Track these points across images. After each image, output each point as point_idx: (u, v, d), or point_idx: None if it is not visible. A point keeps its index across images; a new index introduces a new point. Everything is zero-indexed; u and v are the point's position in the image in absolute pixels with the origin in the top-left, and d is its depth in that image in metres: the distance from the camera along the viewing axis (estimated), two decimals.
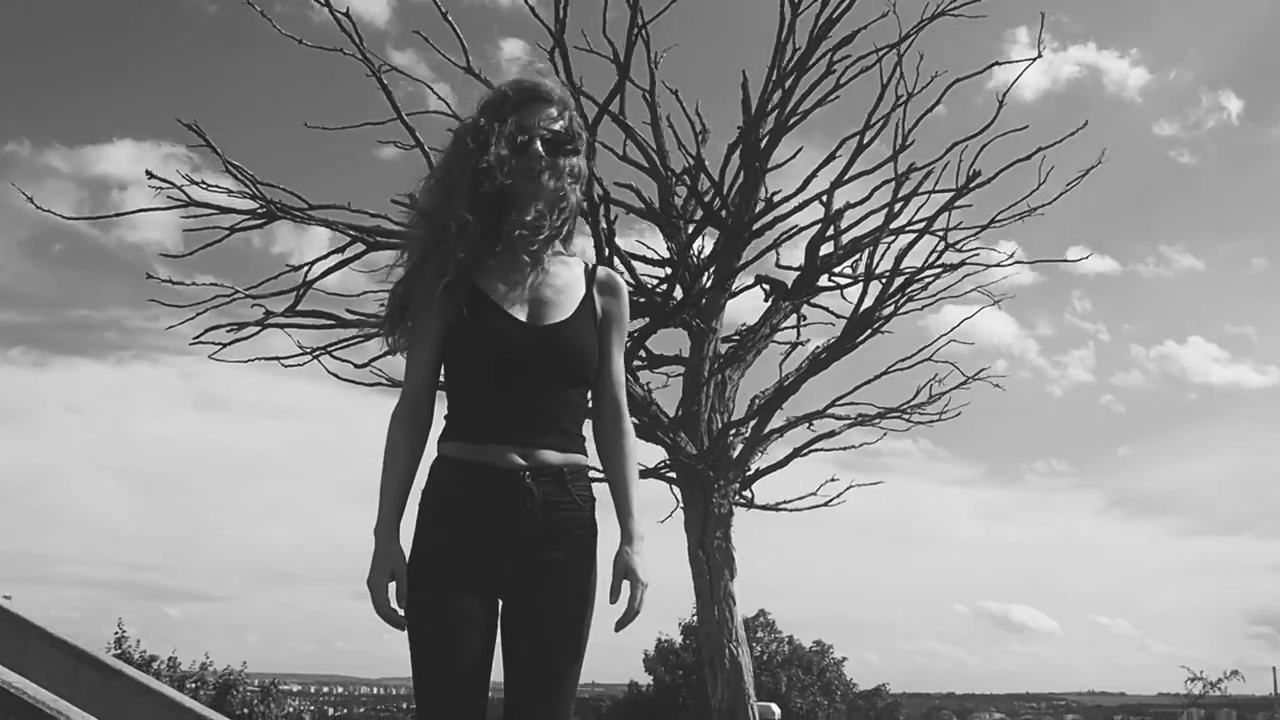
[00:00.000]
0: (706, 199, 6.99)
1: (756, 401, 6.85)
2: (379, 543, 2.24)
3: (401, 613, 2.21)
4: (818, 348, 7.06)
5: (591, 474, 2.41)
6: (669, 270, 7.16)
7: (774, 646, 30.46)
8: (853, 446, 6.83)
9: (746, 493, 6.80)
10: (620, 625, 2.32)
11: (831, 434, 6.72)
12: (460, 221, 2.27)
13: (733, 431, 6.59)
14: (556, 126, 2.34)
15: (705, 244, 7.25)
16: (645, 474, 6.82)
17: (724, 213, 6.86)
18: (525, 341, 2.27)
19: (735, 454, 6.52)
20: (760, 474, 6.77)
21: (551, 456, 2.27)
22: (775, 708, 13.27)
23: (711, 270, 7.01)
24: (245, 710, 18.86)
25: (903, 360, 6.77)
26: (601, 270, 2.45)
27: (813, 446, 6.76)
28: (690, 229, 7.11)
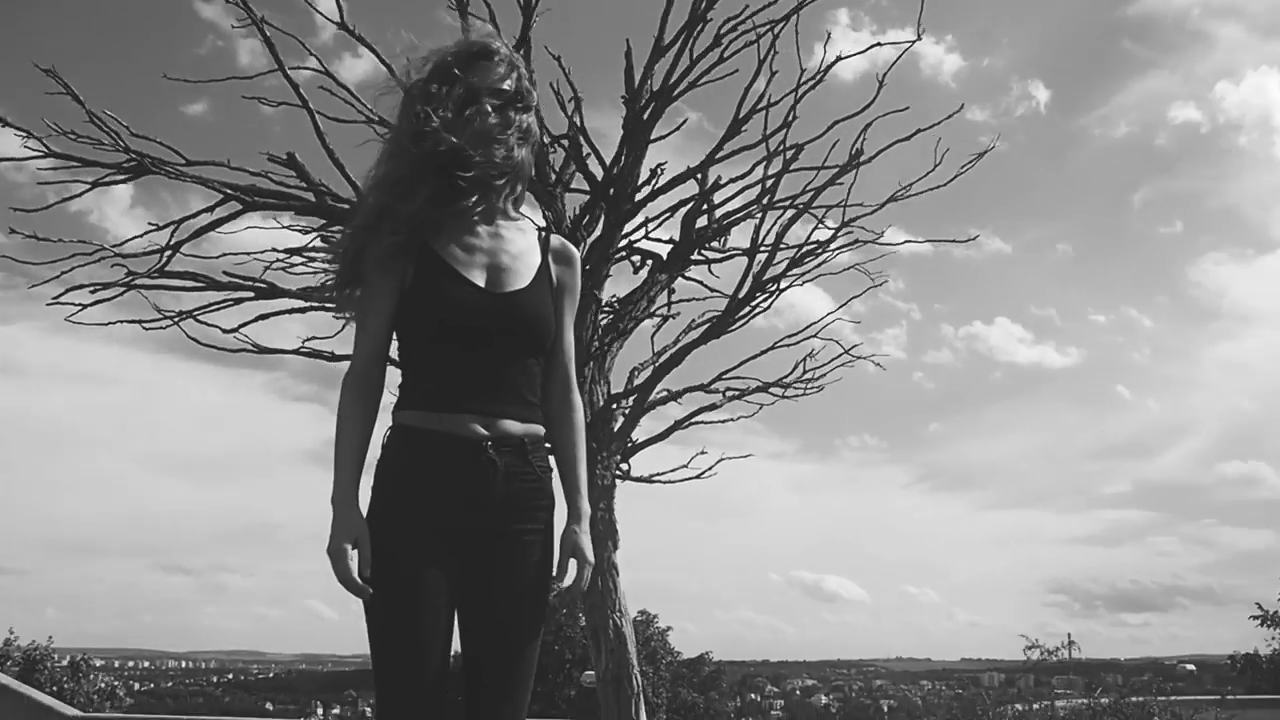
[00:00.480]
0: (588, 168, 6.94)
1: (636, 374, 6.90)
2: (339, 510, 2.17)
3: (362, 582, 2.15)
4: (693, 321, 7.15)
5: None
6: None
7: None
8: (731, 420, 6.96)
9: (624, 465, 6.84)
10: (562, 601, 2.34)
11: (713, 407, 6.81)
12: (410, 184, 2.23)
13: (614, 404, 6.61)
14: (505, 85, 2.30)
15: (584, 215, 7.20)
16: None
17: (609, 186, 6.84)
18: (485, 308, 2.23)
19: (617, 426, 6.55)
20: (640, 446, 6.83)
21: (513, 426, 2.24)
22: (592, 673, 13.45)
23: (589, 241, 6.98)
24: (54, 687, 18.01)
25: (790, 336, 6.91)
26: (555, 239, 2.43)
27: (693, 420, 6.85)
28: (570, 199, 7.05)
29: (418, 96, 2.29)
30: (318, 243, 6.10)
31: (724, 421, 6.89)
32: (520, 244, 2.36)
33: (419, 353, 2.26)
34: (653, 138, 6.95)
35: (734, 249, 7.47)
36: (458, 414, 2.21)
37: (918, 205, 6.57)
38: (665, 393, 6.74)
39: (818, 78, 6.53)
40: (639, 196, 6.97)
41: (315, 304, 5.98)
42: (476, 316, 2.22)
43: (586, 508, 2.37)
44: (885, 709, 70.82)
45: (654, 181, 6.87)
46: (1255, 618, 14.52)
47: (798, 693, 79.35)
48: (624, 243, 6.99)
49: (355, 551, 2.16)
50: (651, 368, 6.72)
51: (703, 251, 7.48)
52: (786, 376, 6.81)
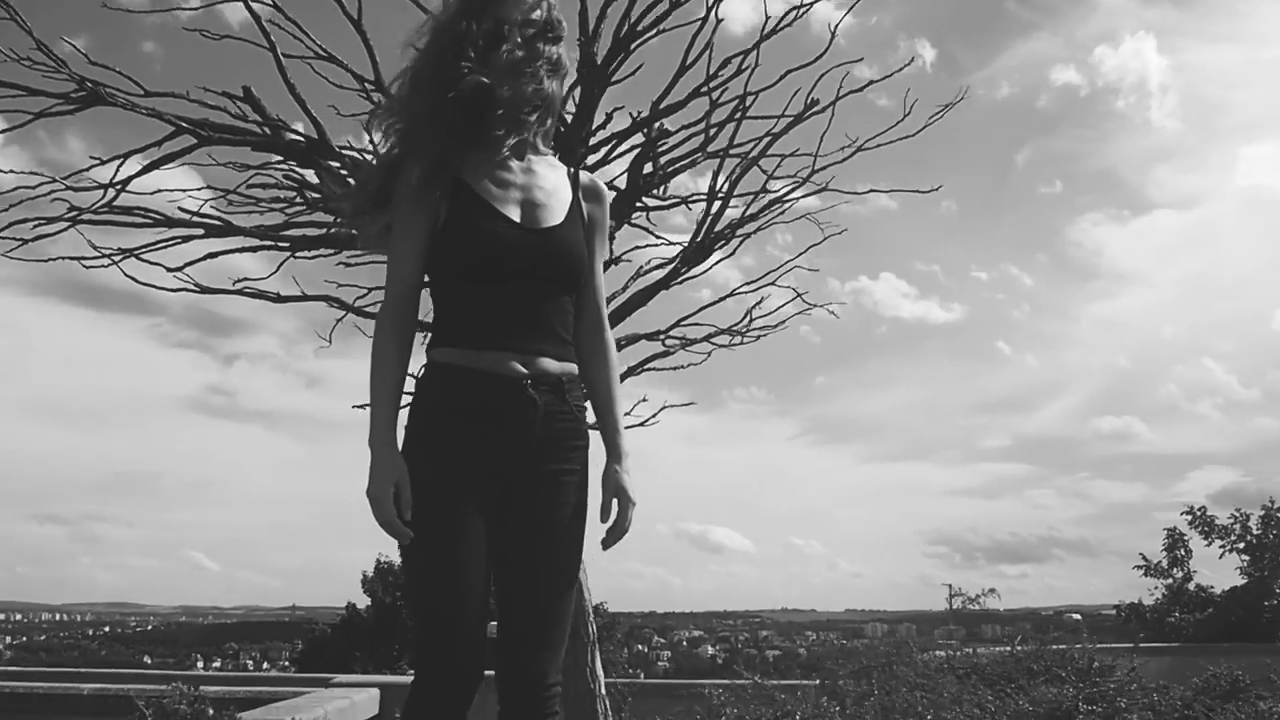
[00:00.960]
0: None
1: None
2: (380, 452, 2.15)
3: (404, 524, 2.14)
4: (641, 268, 7.18)
5: None
6: None
7: None
8: (680, 367, 7.02)
9: None
10: (608, 544, 2.32)
11: (666, 354, 6.86)
12: (434, 116, 2.22)
13: None
14: (534, 15, 2.30)
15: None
16: None
17: (560, 126, 6.82)
18: (523, 245, 2.23)
19: None
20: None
21: (550, 365, 2.25)
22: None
23: None
24: None
25: (749, 283, 6.97)
26: (584, 175, 2.43)
27: (645, 367, 6.89)
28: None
29: (445, 31, 2.28)
30: (279, 182, 5.97)
31: (676, 369, 6.94)
32: (552, 180, 2.37)
33: (455, 290, 2.25)
34: (614, 80, 6.94)
35: (674, 198, 7.52)
36: (497, 352, 2.20)
37: (807, 160, 6.60)
38: (621, 341, 6.78)
39: (832, 33, 6.45)
40: (593, 141, 6.96)
41: (270, 242, 5.87)
42: (515, 253, 2.22)
43: (626, 446, 2.37)
44: (771, 659, 72.73)
45: (606, 125, 6.86)
46: (1139, 568, 15.27)
47: (684, 644, 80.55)
48: None
49: (395, 494, 2.14)
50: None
51: (645, 200, 7.51)
52: (738, 324, 6.86)
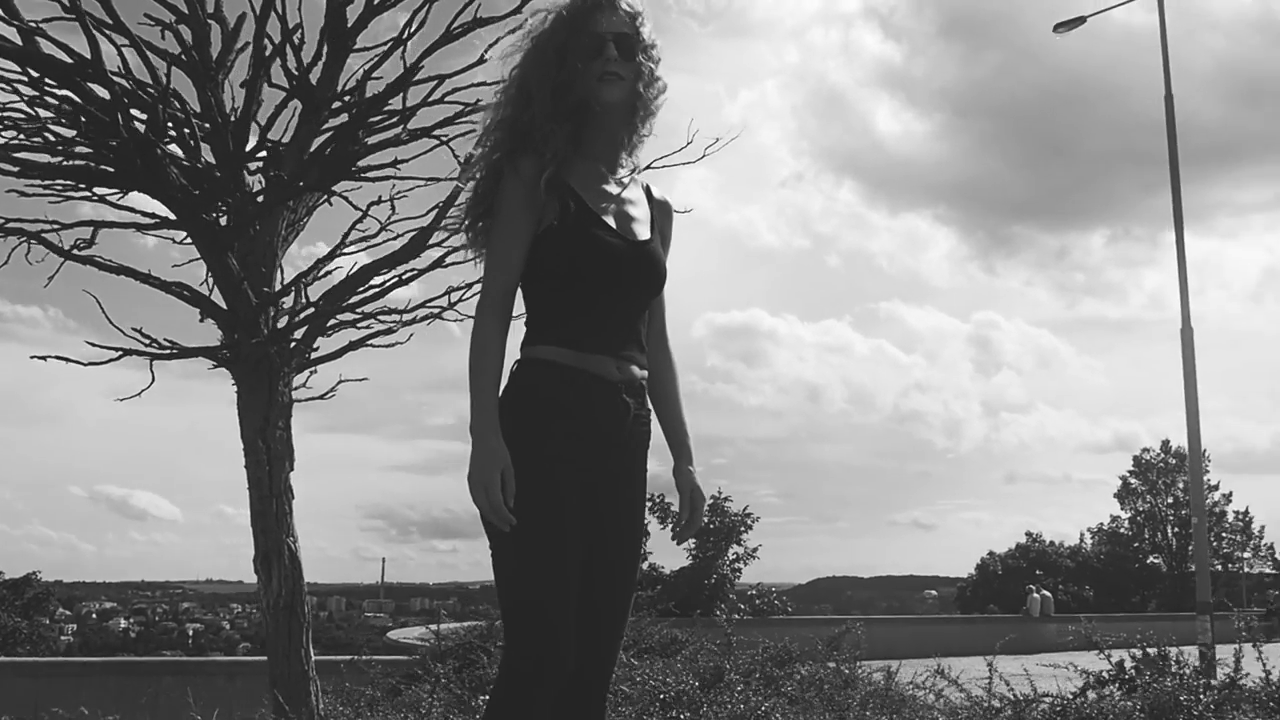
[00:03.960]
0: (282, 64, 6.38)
1: (305, 287, 6.49)
2: (486, 439, 2.17)
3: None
4: (372, 240, 6.92)
5: None
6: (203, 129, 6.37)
7: None
8: (401, 343, 6.79)
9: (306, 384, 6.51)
10: (685, 538, 2.52)
11: (389, 330, 6.64)
12: (547, 131, 2.30)
13: (297, 317, 6.22)
14: (624, 30, 2.36)
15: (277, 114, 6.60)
16: (190, 353, 6.07)
17: (305, 88, 6.37)
18: (627, 256, 2.34)
19: (296, 340, 6.16)
20: (318, 361, 6.47)
21: (637, 371, 2.36)
22: None
23: (278, 142, 6.46)
24: None
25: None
26: (656, 191, 2.53)
27: (365, 343, 6.61)
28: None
29: (546, 43, 2.34)
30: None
31: (390, 346, 6.73)
32: (635, 193, 2.46)
33: (559, 291, 2.31)
34: (357, 46, 6.63)
35: (372, 168, 7.27)
36: (601, 355, 2.29)
37: None
38: (355, 314, 6.45)
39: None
40: (335, 105, 6.60)
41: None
42: (620, 263, 2.32)
43: (692, 445, 2.50)
44: (191, 632, 68.99)
45: (368, 81, 6.54)
46: None
47: (94, 616, 73.83)
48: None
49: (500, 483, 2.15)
50: (332, 286, 6.39)
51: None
52: (437, 299, 6.78)
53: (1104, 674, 4.41)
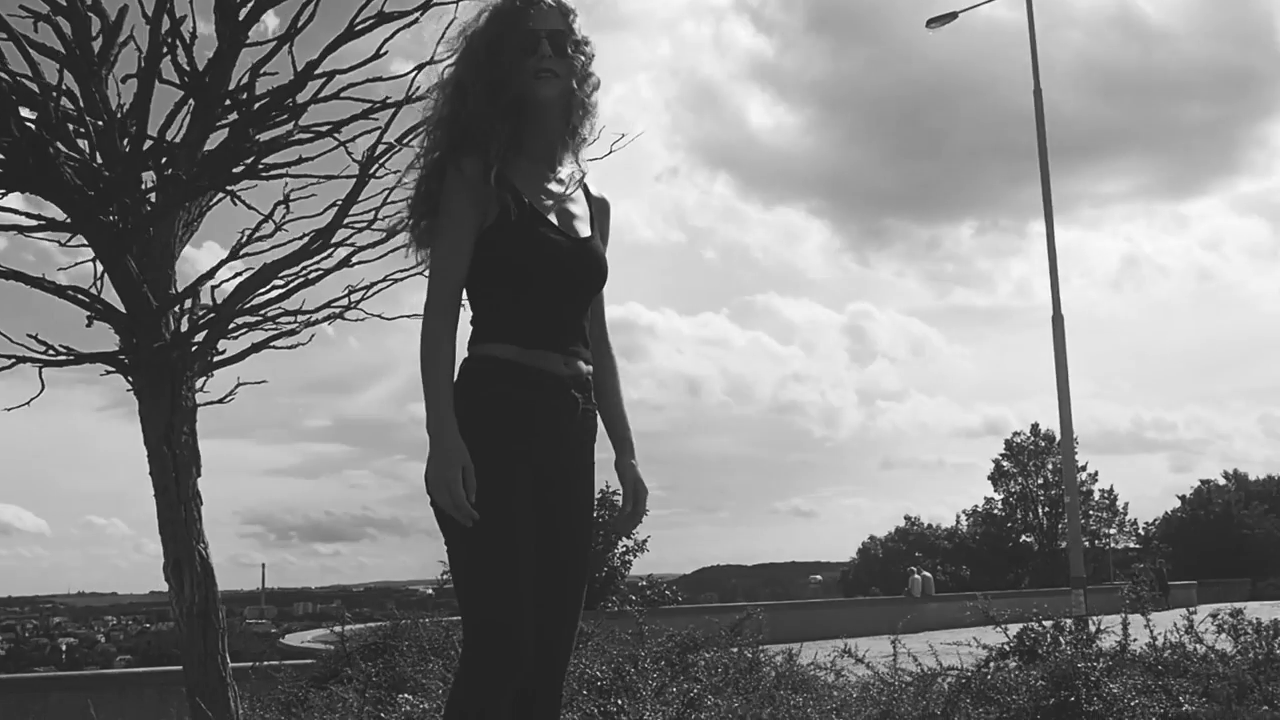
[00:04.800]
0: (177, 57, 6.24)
1: (211, 290, 6.37)
2: (445, 438, 2.20)
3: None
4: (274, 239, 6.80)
5: None
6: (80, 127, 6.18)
7: None
8: (303, 344, 6.70)
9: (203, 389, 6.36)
10: (625, 530, 2.72)
11: (291, 333, 6.55)
12: (487, 128, 2.32)
13: (199, 319, 6.10)
14: (558, 27, 2.38)
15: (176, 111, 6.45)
16: (87, 359, 5.91)
17: (198, 83, 6.24)
18: (571, 253, 2.37)
19: (198, 344, 6.04)
20: (220, 364, 6.33)
21: (583, 367, 2.40)
22: None
23: (175, 138, 6.31)
24: None
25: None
26: (594, 189, 2.55)
27: (268, 345, 6.50)
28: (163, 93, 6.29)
29: (480, 42, 2.36)
30: None
31: (293, 347, 6.63)
32: (575, 191, 2.48)
33: (505, 289, 2.34)
34: (250, 40, 6.52)
35: (274, 167, 7.13)
36: (550, 352, 2.33)
37: None
38: (260, 317, 6.35)
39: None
40: (227, 100, 6.48)
41: None
42: (565, 261, 2.35)
43: (634, 440, 2.53)
44: (64, 647, 66.34)
45: (259, 77, 6.42)
46: None
47: None
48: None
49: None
50: (234, 287, 6.28)
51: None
52: (338, 300, 6.67)
53: (1003, 647, 4.65)
